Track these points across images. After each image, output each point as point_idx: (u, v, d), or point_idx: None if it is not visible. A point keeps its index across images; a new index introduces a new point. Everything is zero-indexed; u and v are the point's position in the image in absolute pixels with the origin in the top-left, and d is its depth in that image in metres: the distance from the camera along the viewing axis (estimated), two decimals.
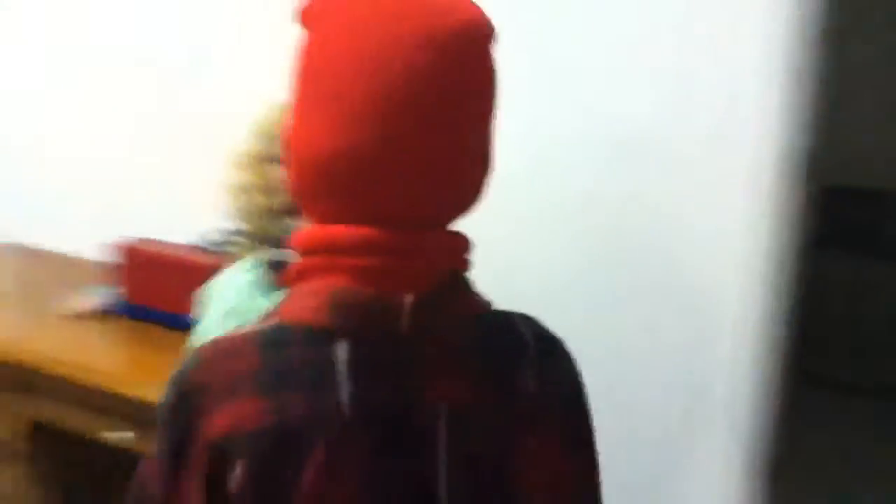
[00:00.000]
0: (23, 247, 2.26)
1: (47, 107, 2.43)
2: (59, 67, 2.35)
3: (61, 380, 1.61)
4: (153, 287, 1.76)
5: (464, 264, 0.77)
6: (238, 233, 2.07)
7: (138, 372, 1.61)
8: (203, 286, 1.62)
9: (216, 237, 2.03)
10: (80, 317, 1.81)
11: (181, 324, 1.70)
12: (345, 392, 0.70)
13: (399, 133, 0.69)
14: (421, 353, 0.73)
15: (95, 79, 2.28)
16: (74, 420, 1.64)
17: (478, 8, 0.75)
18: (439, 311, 0.73)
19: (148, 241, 1.79)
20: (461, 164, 0.73)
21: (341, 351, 0.70)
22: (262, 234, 2.00)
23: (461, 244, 0.77)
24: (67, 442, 1.67)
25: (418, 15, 0.70)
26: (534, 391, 0.77)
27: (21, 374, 1.69)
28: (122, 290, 1.80)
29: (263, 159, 1.97)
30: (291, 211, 1.97)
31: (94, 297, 1.84)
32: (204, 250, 1.78)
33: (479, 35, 0.73)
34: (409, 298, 0.71)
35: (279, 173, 1.91)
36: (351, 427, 0.70)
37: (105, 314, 1.82)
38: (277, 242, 2.01)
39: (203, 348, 0.74)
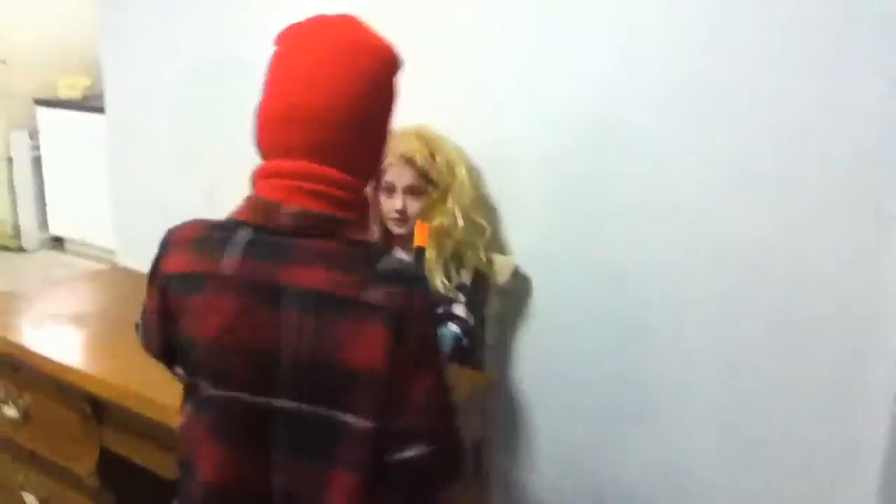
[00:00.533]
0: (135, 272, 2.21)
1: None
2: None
3: (133, 413, 1.60)
4: None
5: (341, 192, 1.13)
6: None
7: None
8: None
9: None
10: None
11: None
12: (229, 259, 1.11)
13: (300, 103, 1.12)
14: (294, 245, 1.11)
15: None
16: (144, 455, 1.63)
17: (385, 46, 1.19)
18: (313, 221, 1.11)
19: None
20: (338, 127, 1.12)
21: (243, 234, 1.13)
22: None
23: (336, 178, 1.13)
24: (138, 477, 1.65)
25: (332, 41, 1.15)
26: (373, 302, 1.08)
27: (94, 403, 1.70)
28: None
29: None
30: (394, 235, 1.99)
31: None
32: None
33: (370, 60, 1.16)
34: (294, 207, 1.11)
35: (390, 202, 1.90)
36: (230, 279, 1.11)
37: None
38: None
39: (186, 221, 1.21)
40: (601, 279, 1.95)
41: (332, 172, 1.12)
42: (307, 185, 1.11)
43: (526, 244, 2.05)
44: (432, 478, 1.18)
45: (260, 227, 1.12)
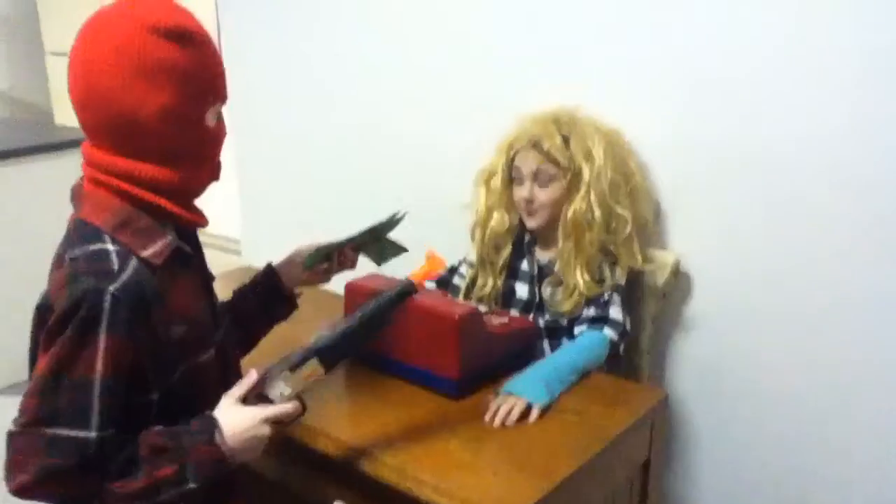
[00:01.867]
0: None
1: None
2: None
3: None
4: None
5: (90, 171, 1.20)
6: (465, 262, 1.97)
7: (362, 430, 1.49)
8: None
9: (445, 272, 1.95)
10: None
11: (392, 368, 1.62)
12: None
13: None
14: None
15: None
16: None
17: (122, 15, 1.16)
18: (73, 200, 1.24)
19: (377, 277, 1.67)
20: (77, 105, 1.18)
21: None
22: (488, 256, 1.89)
23: (88, 154, 1.20)
24: None
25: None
26: (52, 279, 1.18)
27: None
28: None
29: (494, 175, 1.86)
30: (525, 233, 1.88)
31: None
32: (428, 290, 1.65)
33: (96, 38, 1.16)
34: (76, 185, 1.25)
35: (519, 191, 1.81)
36: None
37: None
38: (499, 270, 1.91)
39: None
40: (779, 279, 1.75)
41: (87, 148, 1.21)
42: (83, 164, 1.23)
43: (690, 239, 1.86)
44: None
45: None
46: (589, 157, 1.73)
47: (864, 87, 1.56)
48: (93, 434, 1.10)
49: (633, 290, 1.82)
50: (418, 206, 2.31)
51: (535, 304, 1.83)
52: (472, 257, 1.93)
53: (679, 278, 1.86)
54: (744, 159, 1.74)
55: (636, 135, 1.85)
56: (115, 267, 1.13)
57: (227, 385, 1.25)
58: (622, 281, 1.76)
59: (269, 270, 1.57)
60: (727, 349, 1.86)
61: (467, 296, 1.92)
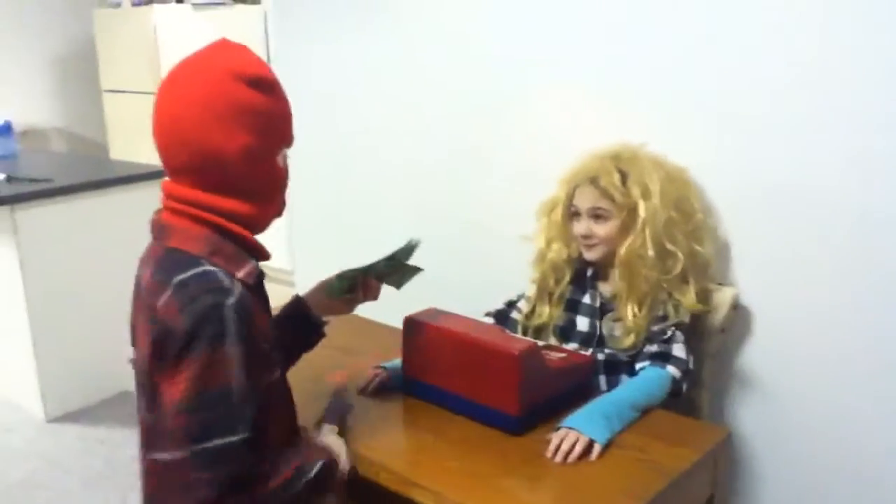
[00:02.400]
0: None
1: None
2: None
3: None
4: (427, 361, 1.65)
5: (175, 204, 1.29)
6: (523, 297, 1.97)
7: (422, 465, 1.49)
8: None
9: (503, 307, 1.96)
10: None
11: (450, 403, 1.62)
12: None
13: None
14: (148, 248, 1.33)
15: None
16: None
17: (227, 65, 1.26)
18: (153, 226, 1.33)
19: (437, 313, 1.68)
20: (166, 148, 1.30)
21: None
22: (545, 286, 1.90)
23: (171, 189, 1.30)
24: None
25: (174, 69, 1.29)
26: (156, 305, 1.21)
27: None
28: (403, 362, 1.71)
29: (555, 207, 1.87)
30: (588, 266, 1.89)
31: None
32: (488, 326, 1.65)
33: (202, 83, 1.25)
34: (156, 218, 1.33)
35: (577, 226, 1.82)
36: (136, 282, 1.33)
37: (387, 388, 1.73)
38: (558, 301, 1.91)
39: None
40: (838, 317, 1.72)
41: (168, 184, 1.30)
42: (163, 198, 1.32)
43: (750, 274, 1.84)
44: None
45: None
46: (646, 193, 1.73)
47: None
48: (244, 436, 1.19)
49: (693, 325, 1.80)
50: (475, 239, 2.34)
51: (595, 338, 1.82)
52: (530, 292, 1.93)
53: (738, 314, 1.84)
54: (803, 195, 1.72)
55: (703, 173, 1.85)
56: (227, 284, 1.22)
57: (292, 404, 1.42)
58: (686, 318, 1.75)
59: (298, 301, 1.62)
60: (786, 386, 1.83)
61: (525, 327, 1.92)
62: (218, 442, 1.17)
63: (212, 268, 1.23)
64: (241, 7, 5.28)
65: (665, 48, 1.90)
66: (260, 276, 1.33)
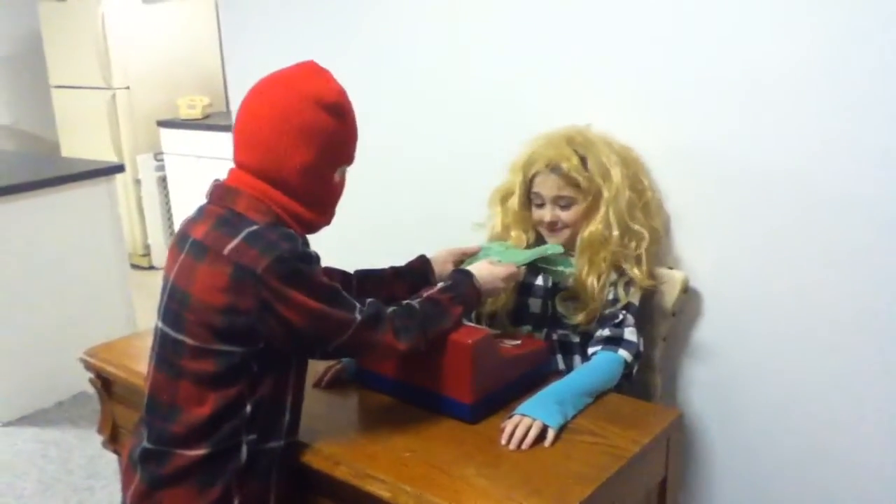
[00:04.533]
0: None
1: None
2: None
3: None
4: None
5: (241, 185, 1.44)
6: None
7: (377, 456, 1.49)
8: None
9: None
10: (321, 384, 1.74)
11: (405, 393, 1.62)
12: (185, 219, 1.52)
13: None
14: (204, 208, 1.49)
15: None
16: None
17: (310, 88, 1.45)
18: (216, 191, 1.48)
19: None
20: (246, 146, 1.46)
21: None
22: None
23: (236, 176, 1.47)
24: None
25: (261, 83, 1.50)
26: (226, 253, 1.37)
27: None
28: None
29: (511, 195, 1.88)
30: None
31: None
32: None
33: (281, 96, 1.45)
34: (219, 184, 1.49)
35: (540, 213, 1.83)
36: (178, 233, 1.52)
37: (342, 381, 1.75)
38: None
39: None
40: (788, 297, 1.75)
41: (236, 171, 1.47)
42: (227, 179, 1.48)
43: (699, 257, 1.87)
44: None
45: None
46: (606, 176, 1.76)
47: (869, 106, 1.58)
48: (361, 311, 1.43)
49: (644, 310, 1.82)
50: (430, 227, 2.34)
51: (547, 319, 1.84)
52: None
53: (688, 297, 1.87)
54: (750, 177, 1.75)
55: (644, 152, 1.88)
56: (293, 231, 1.42)
57: None
58: (636, 301, 1.77)
59: (425, 260, 1.82)
60: (737, 366, 1.87)
61: (478, 312, 1.93)
62: (362, 313, 1.42)
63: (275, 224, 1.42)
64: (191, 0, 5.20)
65: (603, 21, 1.91)
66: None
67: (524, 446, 1.45)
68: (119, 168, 3.68)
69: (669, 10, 1.80)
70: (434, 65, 2.26)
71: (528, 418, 1.49)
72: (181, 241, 1.47)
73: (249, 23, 2.72)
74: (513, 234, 1.87)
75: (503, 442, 1.47)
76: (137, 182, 5.16)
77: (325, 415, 1.61)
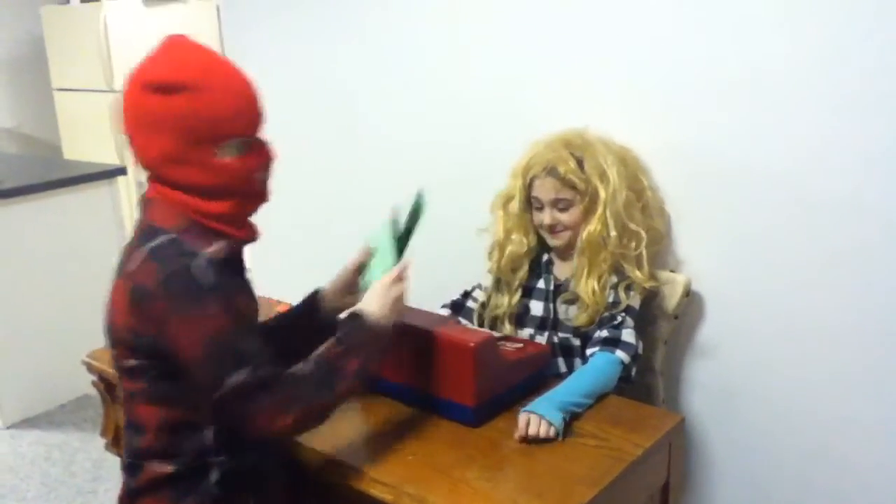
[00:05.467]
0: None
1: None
2: None
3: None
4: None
5: (154, 192, 1.36)
6: (479, 287, 1.98)
7: (380, 460, 1.49)
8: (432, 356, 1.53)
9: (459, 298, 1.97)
10: None
11: (407, 396, 1.62)
12: None
13: None
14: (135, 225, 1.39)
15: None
16: None
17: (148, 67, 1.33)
18: (141, 207, 1.38)
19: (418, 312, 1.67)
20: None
21: None
22: (504, 277, 1.91)
23: (150, 184, 1.38)
24: None
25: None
26: (129, 270, 1.31)
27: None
28: None
29: (512, 199, 1.88)
30: (542, 253, 1.91)
31: None
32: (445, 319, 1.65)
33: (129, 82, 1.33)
34: (142, 194, 1.39)
35: (539, 216, 1.84)
36: None
37: None
38: (517, 290, 1.93)
39: None
40: (790, 300, 1.75)
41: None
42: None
43: (701, 260, 1.87)
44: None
45: None
46: (603, 177, 1.76)
47: (870, 106, 1.58)
48: (265, 362, 1.29)
49: (646, 313, 1.83)
50: (431, 232, 2.34)
51: (549, 322, 1.84)
52: (486, 281, 1.94)
53: (690, 300, 1.87)
54: (752, 178, 1.75)
55: (646, 153, 1.88)
56: (195, 249, 1.29)
57: None
58: (636, 304, 1.77)
59: (313, 297, 1.62)
60: (739, 369, 1.87)
61: (481, 316, 1.93)
62: (247, 374, 1.26)
63: (181, 239, 1.30)
64: (193, 2, 5.21)
65: (612, 32, 1.91)
66: (234, 253, 1.38)
67: (531, 434, 1.46)
68: (121, 170, 3.68)
69: (669, 10, 1.80)
70: (436, 67, 2.27)
71: (536, 416, 1.49)
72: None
73: (251, 26, 2.73)
74: (514, 238, 1.87)
75: (517, 436, 1.48)
76: (140, 185, 5.16)
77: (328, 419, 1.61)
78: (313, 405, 1.33)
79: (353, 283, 1.59)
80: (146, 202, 1.38)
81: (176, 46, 1.34)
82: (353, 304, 1.50)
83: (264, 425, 1.29)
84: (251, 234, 1.43)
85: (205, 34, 5.14)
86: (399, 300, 1.46)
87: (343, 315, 1.47)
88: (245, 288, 1.42)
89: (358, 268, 1.59)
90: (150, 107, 1.29)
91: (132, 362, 1.34)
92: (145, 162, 1.34)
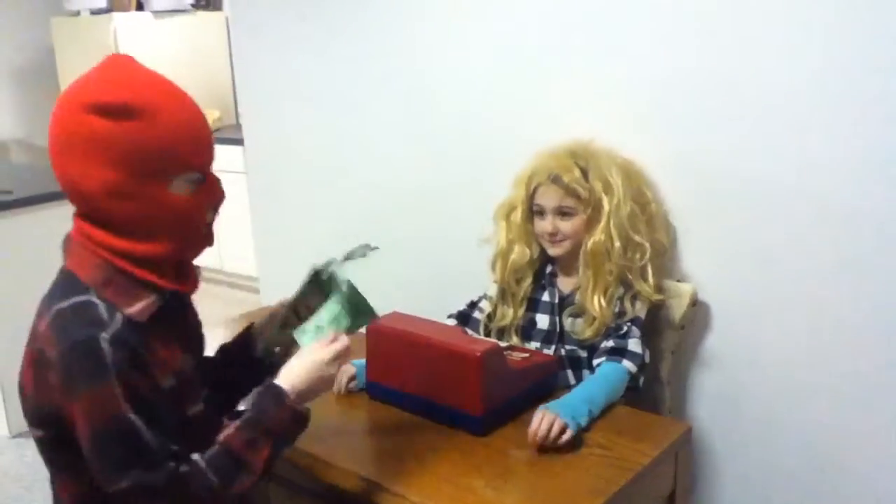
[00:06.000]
0: None
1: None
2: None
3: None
4: (391, 366, 1.65)
5: (74, 232, 1.22)
6: (485, 297, 1.98)
7: (387, 469, 1.49)
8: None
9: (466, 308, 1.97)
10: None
11: (414, 405, 1.62)
12: None
13: None
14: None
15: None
16: None
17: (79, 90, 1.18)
18: (63, 248, 1.23)
19: (400, 316, 1.68)
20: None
21: None
22: (508, 288, 1.91)
23: (74, 221, 1.22)
24: None
25: None
26: (36, 331, 1.18)
27: None
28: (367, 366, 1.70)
29: (514, 209, 1.89)
30: (546, 265, 1.91)
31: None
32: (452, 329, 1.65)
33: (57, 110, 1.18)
34: (67, 233, 1.24)
35: (541, 224, 1.84)
36: None
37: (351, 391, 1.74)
38: (522, 302, 1.93)
39: None
40: (796, 309, 1.75)
41: (75, 217, 1.22)
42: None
43: (707, 270, 1.87)
44: None
45: None
46: (608, 188, 1.77)
47: (875, 117, 1.58)
48: (163, 463, 1.13)
49: (652, 323, 1.82)
50: (436, 242, 2.35)
51: (556, 335, 1.85)
52: (492, 292, 1.95)
53: (697, 309, 1.86)
54: (758, 189, 1.76)
55: (649, 165, 1.88)
56: (105, 318, 1.14)
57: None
58: (642, 314, 1.77)
59: (247, 333, 1.49)
60: (746, 378, 1.87)
61: (487, 328, 1.93)
62: (129, 483, 1.11)
63: (94, 300, 1.15)
64: (202, 14, 5.25)
65: (616, 43, 1.92)
66: (163, 309, 1.21)
67: (550, 438, 1.46)
68: None
69: (679, 24, 1.81)
70: (445, 77, 2.28)
71: (552, 413, 1.49)
72: None
73: (260, 36, 2.75)
74: (516, 248, 1.87)
75: (530, 437, 1.47)
76: None
77: (334, 427, 1.62)
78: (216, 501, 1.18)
79: (290, 320, 1.45)
80: (65, 242, 1.23)
81: (122, 66, 1.19)
82: (288, 341, 1.41)
83: None
84: (187, 286, 1.27)
85: (213, 46, 5.18)
86: (329, 383, 1.30)
87: (258, 388, 1.26)
88: (178, 339, 1.28)
89: (294, 305, 1.46)
90: (94, 131, 1.12)
91: (39, 433, 1.21)
92: (81, 194, 1.16)
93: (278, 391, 1.23)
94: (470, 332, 1.91)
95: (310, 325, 1.38)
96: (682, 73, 1.82)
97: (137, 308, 1.17)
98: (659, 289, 1.81)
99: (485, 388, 1.52)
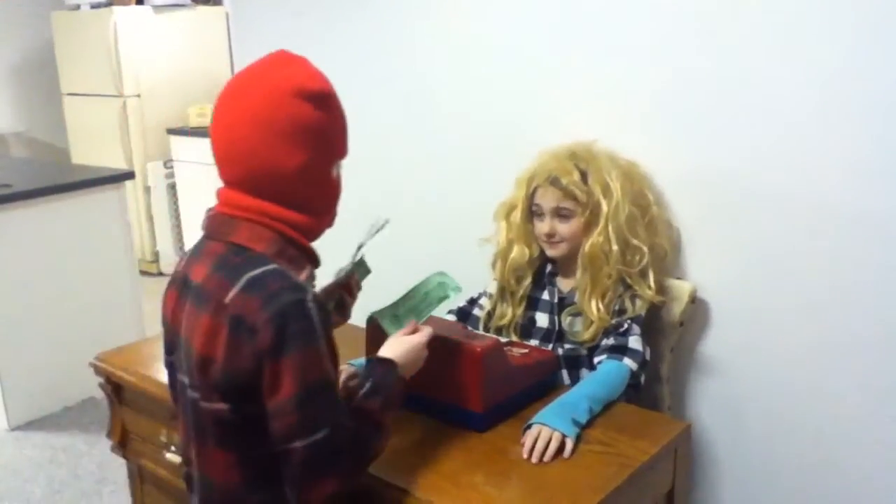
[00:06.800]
0: None
1: None
2: None
3: None
4: None
5: (236, 211, 1.28)
6: (485, 294, 1.99)
7: (387, 465, 1.49)
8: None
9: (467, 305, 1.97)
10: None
11: (414, 401, 1.62)
12: (182, 259, 1.38)
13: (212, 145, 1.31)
14: (202, 245, 1.33)
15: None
16: None
17: (283, 80, 1.26)
18: (213, 222, 1.32)
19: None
20: (230, 161, 1.29)
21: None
22: (507, 287, 1.91)
23: (227, 197, 1.30)
24: None
25: (230, 83, 1.30)
26: (227, 302, 1.21)
27: None
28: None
29: (515, 209, 1.89)
30: (546, 264, 1.91)
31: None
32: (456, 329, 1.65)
33: (258, 97, 1.26)
34: (209, 213, 1.33)
35: (539, 225, 1.84)
36: (175, 274, 1.37)
37: None
38: (522, 301, 1.93)
39: None
40: (796, 308, 1.76)
41: (226, 192, 1.30)
42: (219, 205, 1.32)
43: (707, 268, 1.87)
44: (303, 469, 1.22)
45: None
46: (607, 191, 1.76)
47: (874, 122, 1.59)
48: (346, 422, 1.24)
49: (652, 321, 1.83)
50: (439, 240, 2.35)
51: (555, 334, 1.85)
52: (492, 289, 1.95)
53: (696, 307, 1.87)
54: (759, 190, 1.76)
55: (652, 167, 1.88)
56: (301, 282, 1.25)
57: None
58: (642, 312, 1.78)
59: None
60: (745, 377, 1.87)
61: (486, 326, 1.93)
62: (325, 433, 1.20)
63: (280, 267, 1.24)
64: (202, 9, 5.25)
65: (617, 43, 1.92)
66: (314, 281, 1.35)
67: (546, 458, 1.44)
68: (129, 175, 3.70)
69: (684, 29, 1.81)
70: (446, 78, 2.28)
71: (548, 429, 1.48)
72: (183, 284, 1.33)
73: (259, 32, 2.74)
74: (516, 248, 1.88)
75: (525, 455, 1.45)
76: (147, 189, 5.19)
77: None
78: (362, 468, 1.30)
79: (343, 298, 1.58)
80: (224, 221, 1.30)
81: (303, 59, 1.32)
82: (341, 320, 1.56)
83: (329, 490, 1.24)
84: (319, 261, 1.37)
85: (213, 41, 5.18)
86: (420, 363, 1.45)
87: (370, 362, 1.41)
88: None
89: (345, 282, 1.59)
90: (301, 116, 1.25)
91: (220, 405, 1.25)
92: (277, 172, 1.25)
93: (390, 363, 1.37)
94: (470, 328, 1.92)
95: (386, 311, 1.58)
96: (683, 73, 1.82)
97: (304, 275, 1.29)
98: (660, 291, 1.81)
99: (485, 385, 1.52)
